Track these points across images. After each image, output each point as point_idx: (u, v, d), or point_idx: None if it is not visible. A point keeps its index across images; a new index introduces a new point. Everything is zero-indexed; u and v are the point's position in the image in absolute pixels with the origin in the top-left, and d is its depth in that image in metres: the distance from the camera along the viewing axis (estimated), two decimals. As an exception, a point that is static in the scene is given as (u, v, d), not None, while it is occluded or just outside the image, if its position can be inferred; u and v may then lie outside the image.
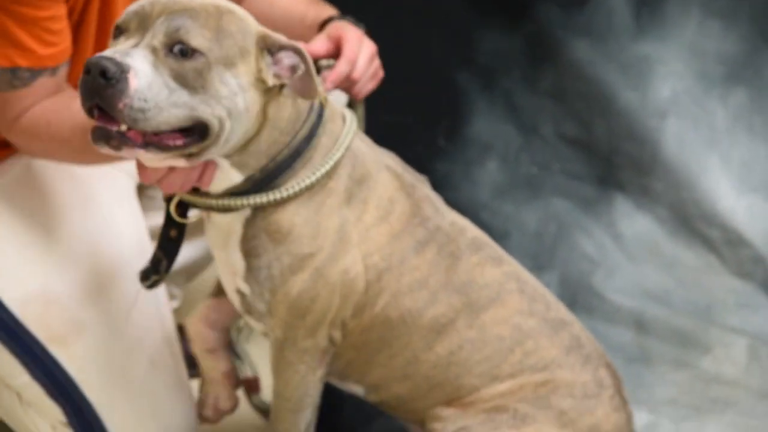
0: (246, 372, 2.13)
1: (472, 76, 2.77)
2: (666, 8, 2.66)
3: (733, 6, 2.63)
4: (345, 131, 1.66)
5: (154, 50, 1.44)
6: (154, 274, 1.67)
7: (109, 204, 1.91)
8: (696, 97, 2.64)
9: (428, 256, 1.71)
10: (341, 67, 1.78)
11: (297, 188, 1.60)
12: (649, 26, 2.67)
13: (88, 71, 1.40)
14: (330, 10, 1.92)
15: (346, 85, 1.81)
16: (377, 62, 1.86)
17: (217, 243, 1.68)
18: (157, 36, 1.44)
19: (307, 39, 1.86)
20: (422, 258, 1.70)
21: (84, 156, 1.69)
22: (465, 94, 2.73)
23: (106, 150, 1.44)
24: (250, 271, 1.63)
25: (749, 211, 2.58)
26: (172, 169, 1.53)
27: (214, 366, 1.87)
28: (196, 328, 1.86)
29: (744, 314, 2.50)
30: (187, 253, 1.96)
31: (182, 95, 1.44)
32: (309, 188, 1.61)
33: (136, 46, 1.44)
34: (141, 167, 1.53)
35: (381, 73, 1.88)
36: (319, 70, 1.77)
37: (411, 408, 1.77)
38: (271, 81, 1.53)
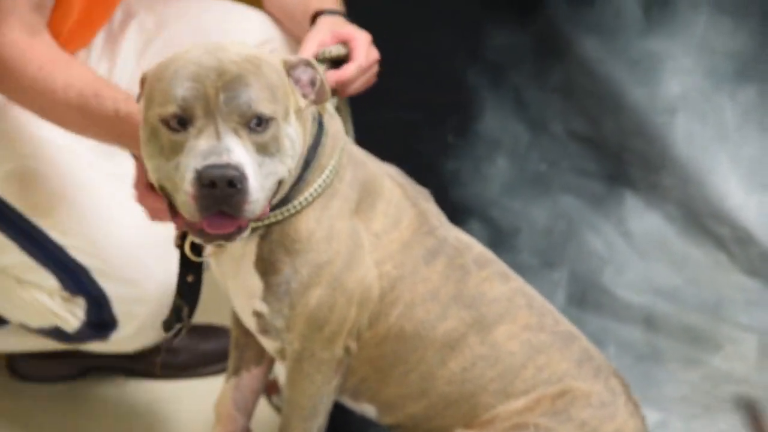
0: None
1: (481, 72, 2.76)
2: (675, 4, 2.65)
3: (744, 2, 2.62)
4: (341, 129, 1.67)
5: (237, 132, 1.43)
6: (176, 322, 1.65)
7: None
8: (705, 94, 2.63)
9: (438, 267, 1.71)
10: (352, 72, 1.78)
11: (311, 197, 1.60)
12: (659, 23, 2.66)
13: (212, 185, 1.38)
14: (330, 2, 1.92)
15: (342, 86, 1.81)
16: (375, 69, 1.86)
17: (229, 272, 1.66)
18: (231, 116, 1.42)
19: (296, 29, 1.87)
20: (433, 269, 1.70)
21: (63, 119, 1.70)
22: (473, 91, 2.73)
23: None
24: (269, 289, 1.62)
25: (759, 209, 2.57)
26: None
27: None
28: (227, 410, 1.83)
29: (754, 311, 2.49)
30: None
31: (267, 164, 1.46)
32: (321, 193, 1.61)
33: (218, 135, 1.42)
34: (176, 215, 1.51)
35: (374, 80, 1.87)
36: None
37: (427, 428, 1.76)
38: (303, 104, 1.53)
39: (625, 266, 2.58)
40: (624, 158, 2.65)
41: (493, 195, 2.69)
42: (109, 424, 2.11)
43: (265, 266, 1.61)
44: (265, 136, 1.45)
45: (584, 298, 2.53)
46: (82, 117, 1.69)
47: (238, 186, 1.39)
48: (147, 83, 1.51)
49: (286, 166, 1.49)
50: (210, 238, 1.46)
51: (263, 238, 1.60)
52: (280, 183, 1.51)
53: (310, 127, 1.60)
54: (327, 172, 1.61)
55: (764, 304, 2.50)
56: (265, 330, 1.68)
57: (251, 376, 1.85)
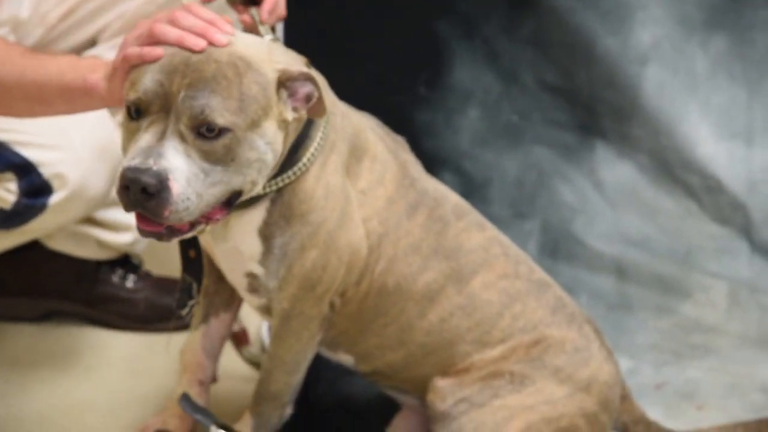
0: (233, 326, 2.13)
1: (452, 24, 2.75)
2: (646, -46, 2.65)
3: (714, -49, 2.62)
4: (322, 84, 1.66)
5: (181, 136, 1.41)
6: (188, 299, 1.65)
7: None
8: (676, 44, 2.63)
9: (419, 220, 1.71)
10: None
11: (316, 152, 1.59)
12: (629, -28, 2.66)
13: (126, 186, 1.38)
14: None
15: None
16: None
17: (219, 236, 1.64)
18: (181, 119, 1.41)
19: None
20: (414, 222, 1.71)
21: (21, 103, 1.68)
22: (445, 43, 2.72)
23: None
24: (269, 252, 1.61)
25: (729, 158, 2.59)
26: None
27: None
28: (196, 357, 1.83)
29: (723, 259, 2.52)
30: None
31: (216, 173, 1.43)
32: (323, 146, 1.60)
33: (163, 135, 1.41)
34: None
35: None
36: None
37: (405, 376, 1.78)
38: (290, 117, 1.50)
39: (597, 216, 2.59)
40: (595, 108, 2.66)
41: (465, 146, 2.69)
42: (66, 368, 2.10)
43: (270, 230, 1.60)
44: (215, 145, 1.42)
45: (556, 249, 2.55)
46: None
47: (153, 193, 1.38)
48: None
49: (245, 177, 1.46)
50: (142, 233, 1.45)
51: (274, 202, 1.59)
52: (238, 194, 1.49)
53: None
54: (324, 123, 1.60)
55: (734, 252, 2.53)
56: (254, 290, 1.68)
57: (219, 322, 1.85)
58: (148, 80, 1.42)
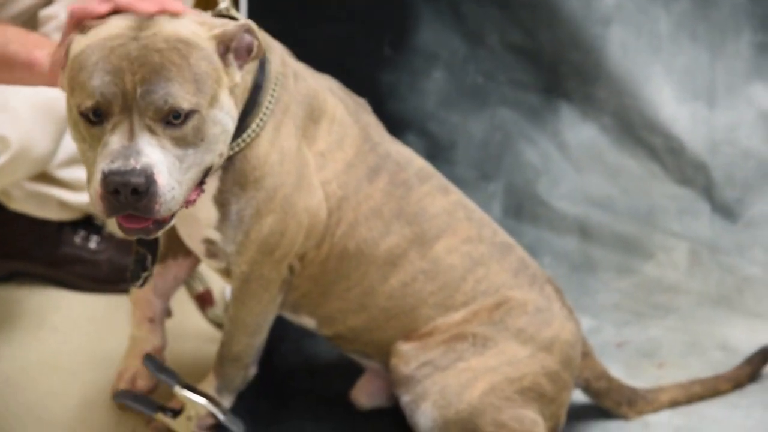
0: (198, 288, 2.14)
1: (418, -16, 2.74)
2: None
3: None
4: (275, 44, 1.66)
5: (150, 130, 1.40)
6: (142, 271, 1.63)
7: None
8: (639, 5, 2.64)
9: (381, 184, 1.72)
10: None
11: (266, 116, 1.59)
12: (594, -68, 2.65)
13: (115, 191, 1.37)
14: None
15: None
16: None
17: None
18: (147, 113, 1.40)
19: None
20: (375, 186, 1.71)
21: None
22: (410, 4, 2.71)
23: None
24: (225, 218, 1.61)
25: (691, 119, 2.61)
26: None
27: (146, 338, 1.83)
28: (143, 294, 1.82)
29: (685, 220, 2.54)
30: None
31: (189, 157, 1.43)
32: (273, 110, 1.60)
33: (132, 133, 1.39)
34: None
35: None
36: None
37: (367, 340, 1.79)
38: (239, 78, 1.50)
39: (560, 177, 2.61)
40: (559, 70, 2.66)
41: (430, 108, 2.69)
42: (30, 328, 2.10)
43: (225, 197, 1.60)
44: (185, 130, 1.42)
45: (520, 210, 2.56)
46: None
47: (143, 192, 1.37)
48: (70, 68, 1.45)
49: (215, 152, 1.47)
50: (129, 232, 1.44)
51: (226, 170, 1.59)
52: (209, 170, 1.49)
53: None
54: (272, 85, 1.60)
55: (695, 213, 2.55)
56: (213, 255, 1.68)
57: (177, 265, 1.84)
58: (98, 83, 1.40)
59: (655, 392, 1.94)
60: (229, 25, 1.49)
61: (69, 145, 2.07)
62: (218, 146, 1.47)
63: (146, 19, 1.46)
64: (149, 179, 1.38)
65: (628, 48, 2.63)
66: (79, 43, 1.45)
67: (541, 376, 1.73)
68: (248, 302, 1.70)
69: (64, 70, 1.48)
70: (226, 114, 1.47)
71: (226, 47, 1.48)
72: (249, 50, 1.50)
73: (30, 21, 2.01)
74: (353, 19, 2.68)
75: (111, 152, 1.39)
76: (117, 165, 1.37)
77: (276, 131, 1.61)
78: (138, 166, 1.37)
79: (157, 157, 1.39)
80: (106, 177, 1.37)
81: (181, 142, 1.42)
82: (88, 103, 1.41)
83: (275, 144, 1.60)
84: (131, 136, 1.39)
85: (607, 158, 2.63)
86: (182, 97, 1.41)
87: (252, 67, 1.56)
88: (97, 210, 1.41)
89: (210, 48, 1.46)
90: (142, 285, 1.64)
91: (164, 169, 1.40)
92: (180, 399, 1.74)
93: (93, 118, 1.42)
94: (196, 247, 1.69)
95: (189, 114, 1.42)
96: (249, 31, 1.49)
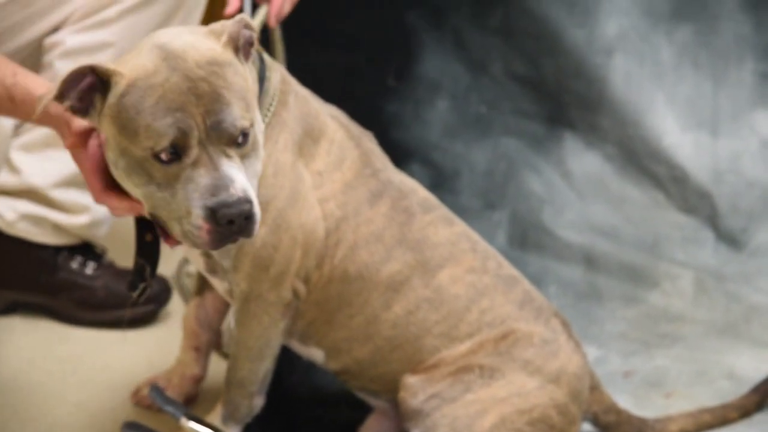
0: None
1: (421, 14, 2.75)
2: (612, -55, 2.66)
3: (679, -58, 2.64)
4: (277, 64, 1.68)
5: (226, 154, 1.42)
6: (140, 282, 1.63)
7: None
8: (642, 34, 2.65)
9: (382, 209, 1.72)
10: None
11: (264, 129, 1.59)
12: (596, -38, 2.67)
13: (230, 222, 1.39)
14: None
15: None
16: None
17: None
18: (221, 141, 1.41)
19: None
20: (377, 211, 1.72)
21: None
22: (414, 33, 2.72)
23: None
24: None
25: (694, 147, 2.61)
26: None
27: (189, 363, 1.91)
28: (190, 323, 1.90)
29: (690, 248, 2.54)
30: None
31: (253, 166, 1.47)
32: (269, 123, 1.62)
33: (213, 162, 1.41)
34: (168, 236, 1.51)
35: None
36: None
37: (374, 375, 1.78)
38: (250, 74, 1.52)
39: (565, 206, 2.61)
40: (563, 99, 2.67)
41: (434, 137, 2.70)
42: (28, 361, 2.10)
43: None
44: (248, 145, 1.45)
45: (525, 239, 2.56)
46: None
47: (251, 215, 1.41)
48: (118, 114, 1.43)
49: (261, 157, 1.50)
50: (214, 248, 1.45)
51: None
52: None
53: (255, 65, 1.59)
54: (270, 100, 1.62)
55: (700, 241, 2.55)
56: (213, 270, 1.69)
57: (214, 297, 1.89)
58: (171, 121, 1.40)
59: (664, 422, 1.92)
60: (227, 27, 1.49)
61: (63, 165, 2.08)
62: (262, 150, 1.50)
63: (159, 45, 1.45)
64: (251, 203, 1.41)
65: (631, 77, 2.63)
66: (118, 86, 1.43)
67: (550, 408, 1.73)
68: (249, 323, 1.71)
69: (98, 117, 1.47)
70: (258, 115, 1.50)
71: (236, 49, 1.49)
72: (251, 44, 1.52)
73: (36, 50, 2.02)
74: (357, 49, 2.69)
75: (208, 186, 1.40)
76: (223, 197, 1.39)
77: (273, 145, 1.62)
78: (241, 194, 1.40)
79: (244, 179, 1.42)
80: (216, 211, 1.39)
81: (245, 158, 1.45)
82: (164, 143, 1.40)
83: (270, 157, 1.62)
84: (215, 166, 1.41)
85: (612, 187, 2.63)
86: (243, 117, 1.43)
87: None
88: (201, 244, 1.42)
89: (230, 58, 1.47)
90: (140, 296, 1.64)
91: (251, 189, 1.43)
92: (186, 431, 1.74)
93: (167, 157, 1.41)
94: (197, 260, 1.71)
95: (249, 129, 1.45)
96: (247, 26, 1.51)
